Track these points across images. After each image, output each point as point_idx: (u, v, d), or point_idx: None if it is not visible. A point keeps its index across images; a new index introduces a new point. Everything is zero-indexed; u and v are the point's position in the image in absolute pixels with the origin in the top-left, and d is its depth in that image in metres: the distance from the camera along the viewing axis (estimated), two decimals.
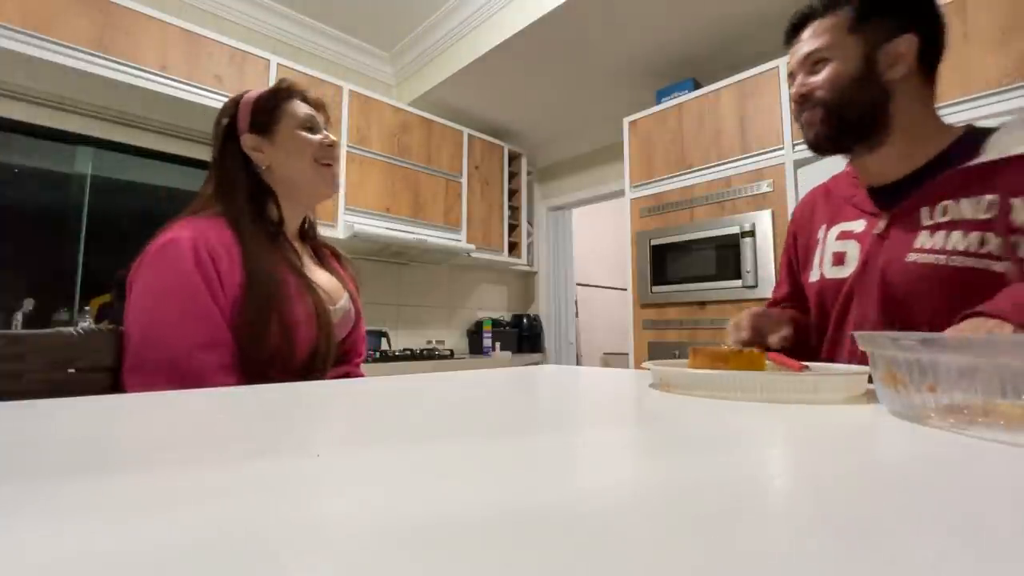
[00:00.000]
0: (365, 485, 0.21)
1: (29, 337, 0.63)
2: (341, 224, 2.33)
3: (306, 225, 0.90)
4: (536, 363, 3.09)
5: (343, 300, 0.85)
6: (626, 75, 2.57)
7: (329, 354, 0.78)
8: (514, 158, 3.25)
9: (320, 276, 0.84)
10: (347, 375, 0.86)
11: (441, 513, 0.17)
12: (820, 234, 0.79)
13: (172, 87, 1.88)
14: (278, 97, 0.82)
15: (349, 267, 0.95)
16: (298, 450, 0.27)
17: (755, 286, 1.87)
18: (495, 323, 3.11)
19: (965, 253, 0.60)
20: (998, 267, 0.59)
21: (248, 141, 0.79)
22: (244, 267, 0.72)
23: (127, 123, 2.06)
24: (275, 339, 0.71)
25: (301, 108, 0.82)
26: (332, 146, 0.84)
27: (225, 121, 0.81)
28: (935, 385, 0.32)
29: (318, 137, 0.83)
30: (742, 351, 0.53)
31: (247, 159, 0.80)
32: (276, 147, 0.80)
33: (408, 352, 2.61)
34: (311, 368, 0.76)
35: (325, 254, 0.92)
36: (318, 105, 0.85)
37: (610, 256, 4.35)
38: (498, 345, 3.04)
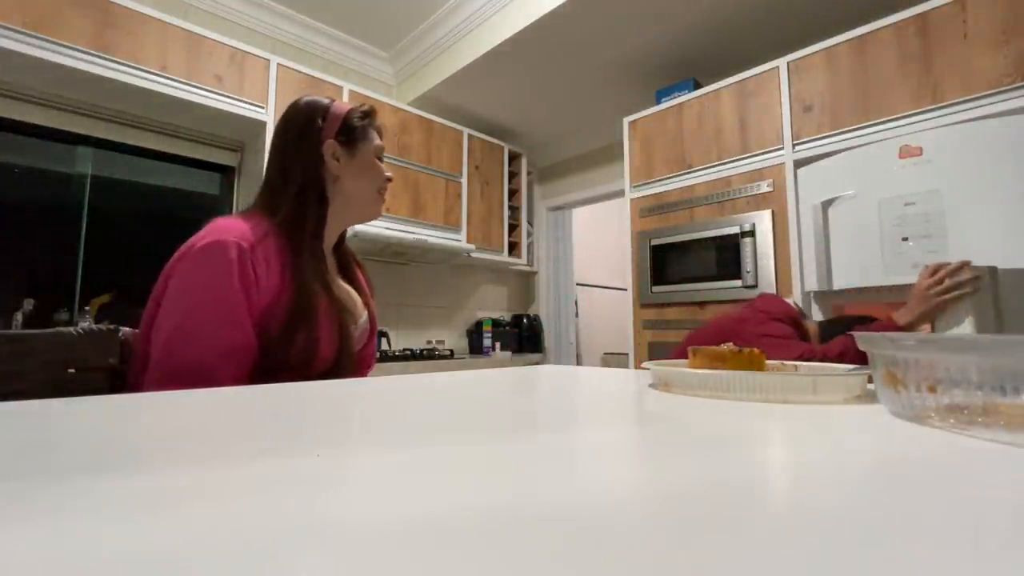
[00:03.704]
0: (365, 485, 0.21)
1: (29, 337, 0.63)
2: None
3: (343, 236, 0.90)
4: (536, 363, 3.09)
5: (363, 318, 0.86)
6: (626, 75, 2.57)
7: (346, 375, 0.78)
8: (514, 158, 3.25)
9: (345, 291, 0.84)
10: None
11: (441, 513, 0.17)
12: None
13: (172, 87, 1.88)
14: (367, 118, 0.84)
15: (367, 277, 0.95)
16: (298, 450, 0.27)
17: (755, 286, 1.87)
18: (495, 323, 3.11)
19: None
20: None
21: (329, 147, 0.80)
22: (289, 279, 0.71)
23: (127, 123, 2.06)
24: (297, 353, 0.71)
25: (376, 138, 0.86)
26: (391, 181, 0.88)
27: (320, 123, 0.80)
28: (935, 385, 0.32)
29: (385, 170, 0.87)
30: (742, 351, 0.53)
31: (319, 164, 0.79)
32: (353, 164, 0.82)
33: (408, 352, 2.61)
34: None
35: (350, 263, 0.91)
36: (383, 137, 0.89)
37: (610, 256, 4.35)
38: (498, 345, 3.04)
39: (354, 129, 0.82)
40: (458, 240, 2.81)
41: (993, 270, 1.05)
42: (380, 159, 0.86)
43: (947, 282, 0.99)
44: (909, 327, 1.05)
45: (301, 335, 0.71)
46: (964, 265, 1.03)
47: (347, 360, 0.78)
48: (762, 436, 0.32)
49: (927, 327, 1.07)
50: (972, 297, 1.04)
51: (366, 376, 0.90)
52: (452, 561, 0.13)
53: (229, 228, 0.70)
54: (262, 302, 0.69)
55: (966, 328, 1.02)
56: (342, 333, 0.76)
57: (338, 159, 0.80)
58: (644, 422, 0.39)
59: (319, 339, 0.73)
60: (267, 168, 0.81)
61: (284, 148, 0.79)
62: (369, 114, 0.85)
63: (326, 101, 0.82)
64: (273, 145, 0.81)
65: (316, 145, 0.79)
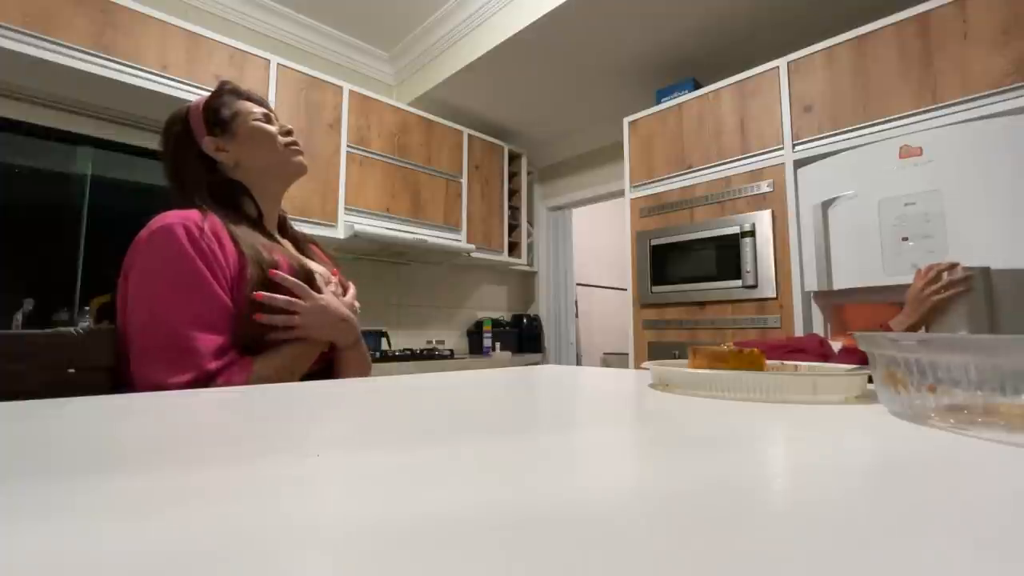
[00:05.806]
0: (365, 485, 0.21)
1: (29, 337, 0.63)
2: (341, 224, 2.33)
3: (284, 219, 0.91)
4: (536, 363, 3.09)
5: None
6: (626, 75, 2.57)
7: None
8: (514, 158, 3.25)
9: (308, 262, 0.85)
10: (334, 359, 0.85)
11: (441, 513, 0.17)
12: None
13: (172, 87, 1.88)
14: (227, 96, 0.82)
15: (331, 259, 0.96)
16: (298, 450, 0.27)
17: (755, 286, 1.87)
18: (495, 323, 3.11)
19: None
20: None
21: (210, 144, 0.79)
22: (237, 247, 0.73)
23: (127, 123, 2.06)
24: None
25: (251, 106, 0.83)
26: (292, 132, 0.85)
27: (177, 128, 0.80)
28: (935, 385, 0.32)
29: (275, 128, 0.84)
30: (742, 351, 0.53)
31: (209, 164, 0.80)
32: (239, 142, 0.80)
33: (408, 352, 2.61)
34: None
35: (306, 246, 0.92)
36: (262, 102, 0.86)
37: (610, 256, 4.35)
38: (498, 345, 3.04)
39: (218, 111, 0.80)
40: (458, 240, 2.81)
41: (986, 271, 1.08)
42: (268, 122, 0.84)
43: (944, 279, 1.00)
44: (911, 331, 1.05)
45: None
46: (955, 265, 1.06)
47: None
48: (762, 436, 0.32)
49: (922, 331, 1.07)
50: (965, 297, 1.06)
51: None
52: (452, 561, 0.13)
53: (172, 214, 0.71)
54: (230, 273, 0.70)
55: (961, 329, 1.04)
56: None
57: (225, 149, 0.80)
58: (644, 422, 0.39)
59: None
60: (168, 186, 0.81)
61: (172, 167, 0.80)
62: (225, 91, 0.83)
63: (183, 109, 0.82)
64: (164, 167, 0.81)
65: (195, 149, 0.79)
